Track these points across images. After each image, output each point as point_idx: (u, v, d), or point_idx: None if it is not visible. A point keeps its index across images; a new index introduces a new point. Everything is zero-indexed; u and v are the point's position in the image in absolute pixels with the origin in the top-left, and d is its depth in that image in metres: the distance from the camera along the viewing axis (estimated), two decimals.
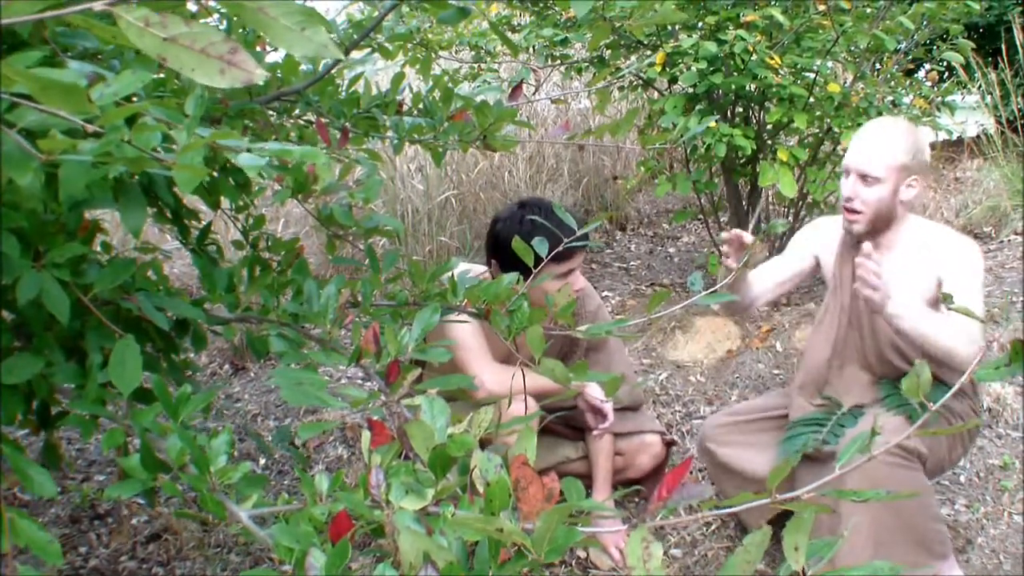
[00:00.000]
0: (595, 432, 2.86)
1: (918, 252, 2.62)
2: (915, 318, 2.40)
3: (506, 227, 2.65)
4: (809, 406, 2.78)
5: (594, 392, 2.79)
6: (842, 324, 2.73)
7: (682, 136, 2.16)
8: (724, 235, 2.61)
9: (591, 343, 3.01)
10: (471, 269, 1.88)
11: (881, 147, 2.57)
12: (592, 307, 3.00)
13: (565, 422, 3.07)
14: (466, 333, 2.67)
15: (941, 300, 1.47)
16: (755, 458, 2.83)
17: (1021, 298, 4.52)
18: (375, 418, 1.19)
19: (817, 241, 2.86)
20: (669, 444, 3.16)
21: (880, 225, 2.62)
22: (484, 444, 1.14)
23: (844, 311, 2.73)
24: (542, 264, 1.70)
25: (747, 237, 2.55)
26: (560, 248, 1.86)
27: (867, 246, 2.35)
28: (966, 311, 1.34)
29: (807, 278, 2.97)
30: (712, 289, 1.61)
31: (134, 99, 1.25)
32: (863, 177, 2.58)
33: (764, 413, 2.92)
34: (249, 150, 1.06)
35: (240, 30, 1.89)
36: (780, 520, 2.88)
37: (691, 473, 3.35)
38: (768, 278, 2.88)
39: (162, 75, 1.54)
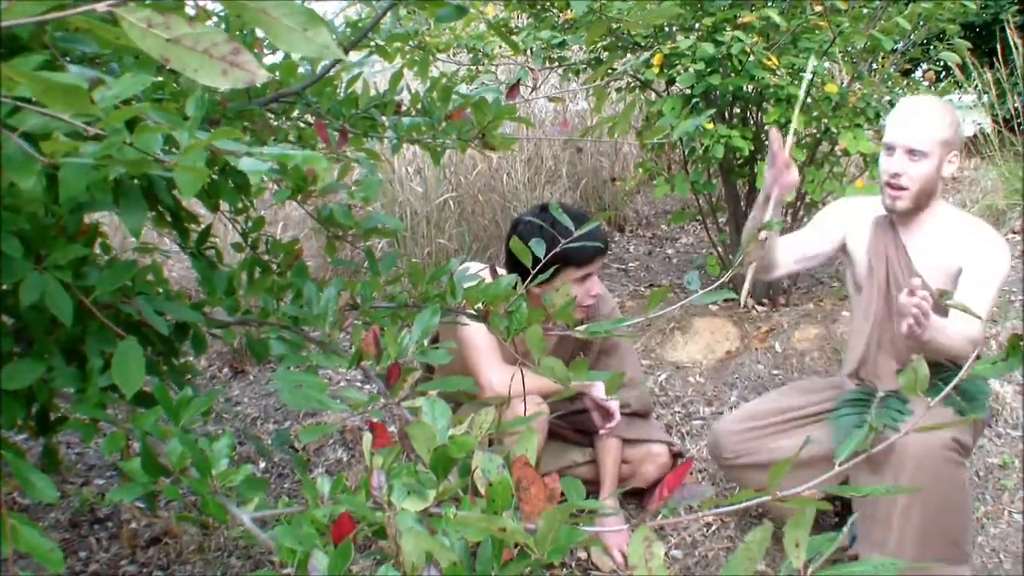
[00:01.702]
0: (602, 432, 2.86)
1: (947, 236, 2.63)
2: (932, 330, 2.40)
3: (527, 230, 2.65)
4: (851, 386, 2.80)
5: (601, 392, 2.80)
6: (880, 306, 2.73)
7: (682, 134, 2.15)
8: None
9: (603, 346, 3.02)
10: (469, 267, 1.89)
11: (927, 122, 2.58)
12: (606, 310, 3.00)
13: (573, 427, 3.08)
14: (477, 333, 2.67)
15: (939, 296, 1.48)
16: (790, 446, 2.82)
17: (1020, 297, 4.52)
18: (376, 420, 1.19)
19: (846, 222, 2.85)
20: (676, 455, 3.16)
21: (921, 202, 2.64)
22: (492, 443, 1.15)
23: (881, 293, 2.72)
24: (537, 268, 1.71)
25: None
26: (560, 247, 1.85)
27: (916, 281, 2.34)
28: (963, 308, 1.35)
29: (830, 259, 2.96)
30: (709, 288, 1.61)
31: (134, 102, 1.25)
32: (911, 152, 2.58)
33: (781, 415, 2.89)
34: (250, 154, 1.06)
35: (239, 31, 1.89)
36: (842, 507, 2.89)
37: (691, 474, 3.36)
38: (793, 249, 2.87)
39: (161, 78, 1.54)
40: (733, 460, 2.87)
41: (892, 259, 2.70)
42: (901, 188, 2.61)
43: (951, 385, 1.13)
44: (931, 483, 2.43)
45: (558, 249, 1.83)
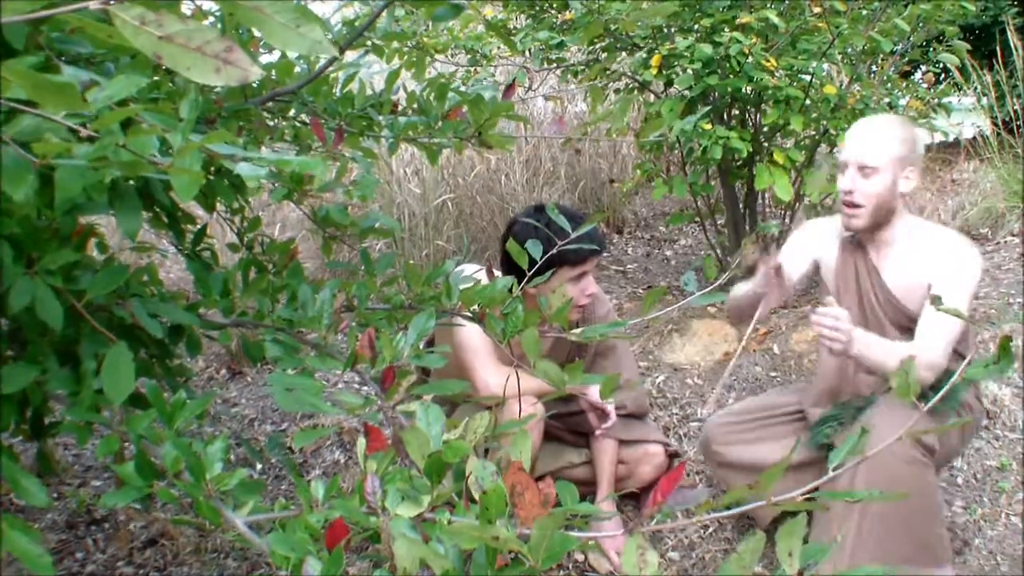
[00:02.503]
0: (598, 432, 2.86)
1: (915, 251, 2.61)
2: (878, 355, 2.41)
3: (523, 231, 2.65)
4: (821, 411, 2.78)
5: (595, 392, 2.80)
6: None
7: (678, 132, 2.14)
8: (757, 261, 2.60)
9: (599, 348, 3.02)
10: (464, 268, 1.90)
11: (878, 138, 2.56)
12: (602, 312, 2.99)
13: (569, 428, 3.07)
14: (472, 335, 2.67)
15: (931, 303, 1.48)
16: (769, 450, 2.82)
17: (1019, 299, 4.52)
18: (371, 424, 1.18)
19: (814, 243, 2.84)
20: (672, 456, 3.16)
21: (880, 219, 2.61)
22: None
23: (852, 315, 2.70)
24: (534, 270, 1.70)
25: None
26: (556, 249, 1.84)
27: (829, 299, 2.37)
28: (956, 313, 1.34)
29: (807, 281, 2.96)
30: (706, 290, 1.61)
31: (130, 103, 1.24)
32: (862, 169, 2.56)
33: (770, 411, 2.90)
34: (246, 158, 1.05)
35: (235, 30, 1.88)
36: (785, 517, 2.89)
37: (687, 476, 3.35)
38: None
39: (156, 78, 1.53)
40: (722, 452, 2.86)
41: (863, 280, 2.69)
42: (856, 206, 2.60)
43: (940, 394, 1.12)
44: (887, 483, 2.39)
45: (555, 251, 1.83)
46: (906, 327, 2.53)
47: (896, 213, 2.63)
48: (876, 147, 2.56)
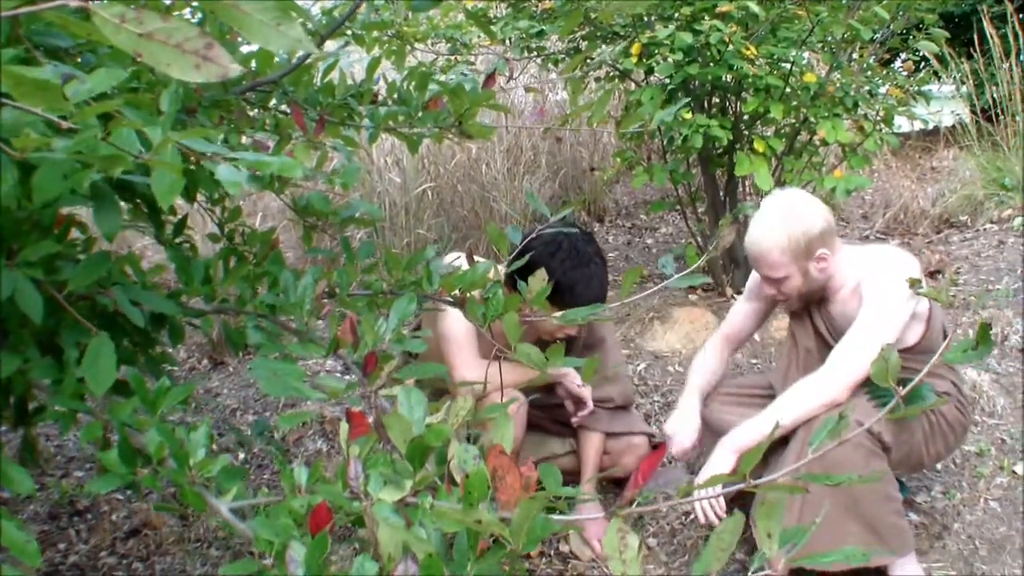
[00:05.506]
0: (574, 421, 2.87)
1: (853, 292, 2.61)
2: (765, 432, 2.42)
3: (539, 253, 2.50)
4: None
5: (573, 379, 2.80)
6: (802, 369, 2.72)
7: (658, 123, 2.14)
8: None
9: (587, 341, 3.02)
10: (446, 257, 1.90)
11: (766, 252, 2.58)
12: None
13: (553, 418, 3.08)
14: (457, 327, 2.67)
15: (909, 285, 1.48)
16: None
17: (998, 286, 4.56)
18: (354, 409, 1.19)
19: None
20: (656, 447, 3.17)
21: (813, 295, 2.68)
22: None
23: (811, 354, 2.74)
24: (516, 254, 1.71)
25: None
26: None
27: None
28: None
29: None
30: (684, 272, 1.62)
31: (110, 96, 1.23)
32: (769, 279, 2.63)
33: (766, 390, 2.90)
34: (226, 158, 1.05)
35: (215, 20, 1.87)
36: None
37: (669, 462, 3.36)
38: (751, 323, 3.01)
39: (136, 66, 1.52)
40: (709, 416, 2.89)
41: (819, 326, 2.74)
42: (783, 300, 2.71)
43: (911, 385, 1.13)
44: (831, 468, 2.32)
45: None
46: None
47: (828, 277, 2.64)
48: (769, 261, 2.58)
